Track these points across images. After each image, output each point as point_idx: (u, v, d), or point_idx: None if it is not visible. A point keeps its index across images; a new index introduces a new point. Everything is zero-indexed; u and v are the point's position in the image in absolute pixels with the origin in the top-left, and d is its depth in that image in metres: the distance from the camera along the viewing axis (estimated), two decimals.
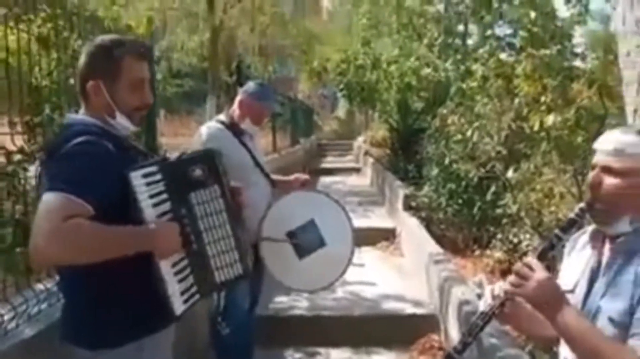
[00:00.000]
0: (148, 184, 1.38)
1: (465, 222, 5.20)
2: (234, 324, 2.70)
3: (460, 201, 5.13)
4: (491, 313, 1.36)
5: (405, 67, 9.59)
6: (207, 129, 2.75)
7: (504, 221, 4.60)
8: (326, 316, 3.57)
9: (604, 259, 1.30)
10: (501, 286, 1.37)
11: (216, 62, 9.40)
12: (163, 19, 8.96)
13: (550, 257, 1.37)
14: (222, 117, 2.84)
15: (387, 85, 10.24)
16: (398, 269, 4.53)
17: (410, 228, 4.96)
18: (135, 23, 3.77)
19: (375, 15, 11.49)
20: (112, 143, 1.40)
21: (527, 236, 4.34)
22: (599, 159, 1.29)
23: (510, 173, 3.79)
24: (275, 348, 3.27)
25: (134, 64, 1.45)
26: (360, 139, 13.95)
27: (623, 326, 1.17)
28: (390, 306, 3.72)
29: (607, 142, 1.28)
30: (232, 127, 2.76)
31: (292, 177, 3.03)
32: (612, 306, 1.21)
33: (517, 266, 1.30)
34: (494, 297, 1.38)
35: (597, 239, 1.34)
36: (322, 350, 3.31)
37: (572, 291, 1.36)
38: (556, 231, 1.35)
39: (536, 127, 3.41)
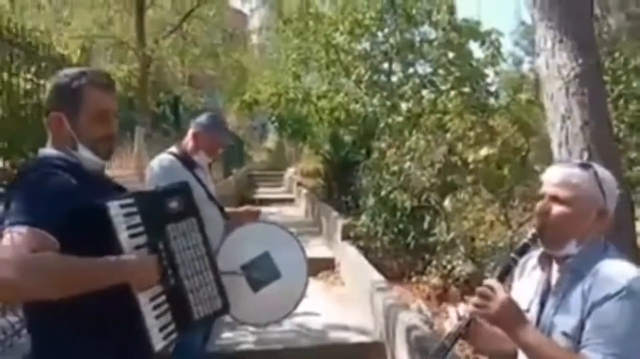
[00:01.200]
0: (125, 215, 1.35)
1: (401, 251, 5.41)
2: None
3: (395, 229, 5.34)
4: (458, 333, 1.47)
5: (336, 103, 9.94)
6: (159, 162, 2.72)
7: (438, 248, 4.85)
8: (273, 349, 3.54)
9: (553, 280, 1.45)
10: (465, 308, 1.49)
11: (145, 92, 9.21)
12: (89, 47, 8.69)
13: (507, 279, 1.51)
14: (173, 149, 2.82)
15: (317, 119, 10.53)
16: (340, 299, 4.60)
17: (350, 257, 5.07)
18: (67, 51, 3.66)
19: (305, 50, 11.83)
20: (74, 175, 1.36)
21: (460, 262, 4.60)
22: (547, 189, 1.45)
23: (446, 202, 4.04)
24: None
25: (96, 94, 1.43)
26: (291, 170, 14.08)
27: (575, 339, 1.31)
28: (336, 335, 3.76)
29: (554, 174, 1.45)
30: (185, 159, 2.74)
31: (242, 209, 3.05)
32: (564, 322, 1.35)
33: (480, 288, 1.42)
34: (459, 318, 1.49)
35: (545, 262, 1.49)
36: None
37: (527, 311, 1.50)
38: (512, 254, 1.49)
39: (470, 159, 3.69)
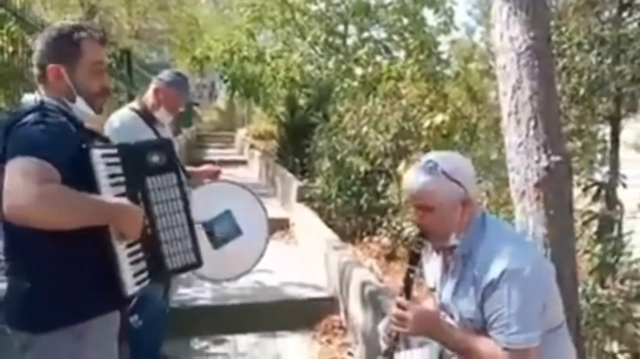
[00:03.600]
0: (108, 164, 1.40)
1: (353, 212, 5.58)
2: (148, 317, 2.69)
3: (349, 192, 5.49)
4: (393, 348, 1.63)
5: (291, 62, 9.85)
6: (119, 117, 2.68)
7: (389, 210, 5.04)
8: (230, 304, 3.64)
9: (449, 264, 1.60)
10: (384, 325, 1.65)
11: None
12: None
13: (413, 289, 1.63)
14: (134, 104, 2.77)
15: (272, 80, 10.41)
16: (295, 257, 4.73)
17: (304, 218, 5.19)
18: None
19: (259, 8, 11.54)
20: (71, 123, 1.42)
21: (409, 223, 4.82)
22: (412, 200, 1.58)
23: (400, 167, 4.19)
24: (183, 337, 3.27)
25: (94, 48, 1.47)
26: (243, 131, 13.92)
27: (477, 321, 1.49)
28: (291, 291, 3.90)
29: (411, 185, 1.54)
30: (145, 115, 2.71)
31: (202, 168, 3.07)
32: (465, 309, 1.52)
33: (394, 311, 1.55)
34: (388, 334, 1.64)
35: (437, 249, 1.64)
36: (229, 337, 3.38)
37: (434, 289, 1.67)
38: (409, 266, 1.62)
39: (426, 125, 3.83)
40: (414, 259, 1.59)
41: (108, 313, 1.49)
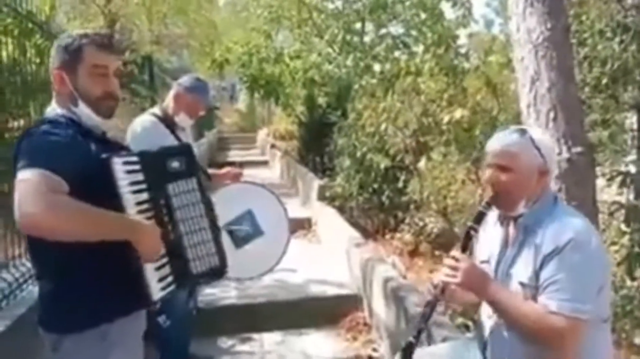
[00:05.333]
0: (128, 171, 1.44)
1: (375, 209, 5.58)
2: (175, 317, 2.76)
3: (370, 189, 5.49)
4: (435, 300, 1.64)
5: (309, 63, 9.88)
6: (141, 123, 2.74)
7: (411, 206, 5.03)
8: (255, 303, 3.69)
9: (510, 234, 1.61)
10: (439, 277, 1.65)
11: None
12: (52, 2, 8.31)
13: (470, 246, 1.66)
14: (155, 110, 2.84)
15: (290, 80, 10.46)
16: (318, 255, 4.77)
17: (326, 217, 5.23)
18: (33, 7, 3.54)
19: (276, 9, 11.60)
20: (79, 132, 1.45)
21: (432, 219, 4.81)
22: (491, 159, 1.59)
23: (421, 163, 4.18)
24: (210, 337, 3.34)
25: (95, 53, 1.50)
26: (264, 132, 14.02)
27: (531, 287, 1.48)
28: (315, 289, 3.94)
29: (495, 145, 1.58)
30: (166, 120, 2.78)
31: (224, 170, 3.12)
32: (520, 273, 1.52)
33: (446, 260, 1.57)
34: (434, 286, 1.65)
35: (503, 219, 1.65)
36: (255, 336, 3.44)
37: (487, 261, 1.67)
38: (470, 223, 1.64)
39: (446, 120, 3.82)
40: (479, 218, 1.61)
41: (133, 313, 1.54)
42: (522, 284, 1.50)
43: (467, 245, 1.62)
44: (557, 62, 2.64)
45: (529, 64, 2.70)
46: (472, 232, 1.62)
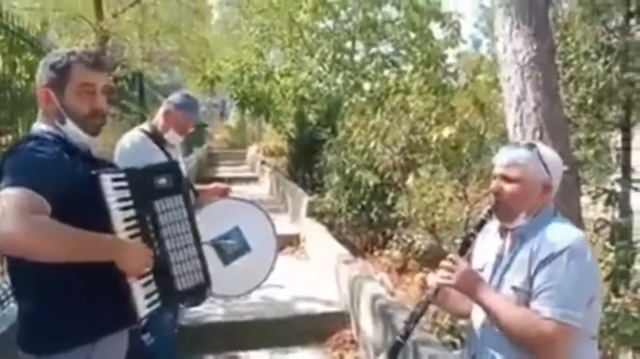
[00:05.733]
0: (116, 188, 1.43)
1: (364, 226, 5.58)
2: (160, 335, 2.72)
3: (359, 206, 5.50)
4: (427, 301, 1.64)
5: (300, 81, 9.96)
6: (130, 139, 2.74)
7: (399, 223, 5.04)
8: (242, 321, 3.66)
9: (507, 244, 1.64)
10: (432, 279, 1.66)
11: None
12: (44, 19, 8.33)
13: (468, 252, 1.68)
14: (144, 126, 2.84)
15: (281, 97, 10.52)
16: (306, 272, 4.75)
17: (315, 233, 5.22)
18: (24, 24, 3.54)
19: (267, 27, 11.71)
20: (65, 149, 1.44)
21: (420, 236, 4.82)
22: (498, 170, 1.62)
23: (409, 181, 4.21)
24: (196, 355, 3.29)
25: (82, 70, 1.49)
26: (253, 148, 14.03)
27: (524, 292, 1.49)
28: (303, 306, 3.91)
29: (503, 156, 1.62)
30: (155, 136, 2.77)
31: (212, 186, 3.11)
32: (514, 278, 1.53)
33: (444, 262, 1.59)
34: (427, 288, 1.66)
35: (502, 230, 1.67)
36: (241, 354, 3.40)
37: (482, 270, 1.69)
38: (471, 230, 1.68)
39: (434, 139, 3.86)
40: (480, 225, 1.64)
41: (116, 332, 1.51)
42: (514, 288, 1.51)
43: (465, 250, 1.64)
44: (543, 82, 2.70)
45: (515, 84, 2.75)
46: (471, 238, 1.65)
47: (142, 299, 1.47)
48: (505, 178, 1.58)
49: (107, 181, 1.42)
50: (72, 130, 1.50)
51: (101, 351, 1.47)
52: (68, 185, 1.35)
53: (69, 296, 1.41)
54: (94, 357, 1.45)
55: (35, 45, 3.38)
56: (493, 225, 1.71)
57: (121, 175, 1.47)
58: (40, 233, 1.27)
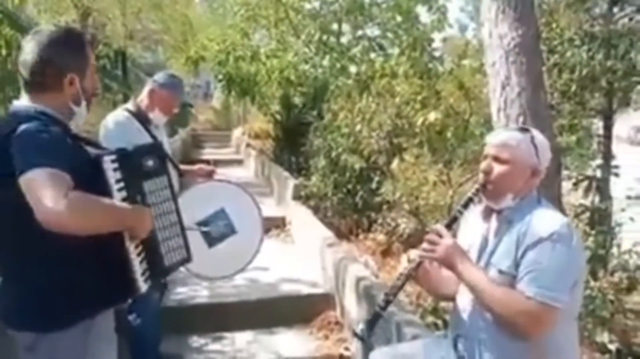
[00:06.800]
0: (114, 169, 1.45)
1: (349, 210, 5.62)
2: (145, 314, 2.74)
3: (344, 190, 5.53)
4: (408, 274, 1.67)
5: (286, 62, 9.87)
6: (114, 118, 2.71)
7: (384, 207, 5.09)
8: (227, 302, 3.67)
9: (492, 227, 1.67)
10: (415, 253, 1.68)
11: None
12: None
13: (454, 227, 1.72)
14: (129, 105, 2.81)
15: (267, 79, 10.43)
16: (291, 255, 4.78)
17: (300, 216, 5.24)
18: None
19: (253, 7, 11.54)
20: (64, 131, 1.45)
21: (404, 219, 4.87)
22: (489, 150, 1.65)
23: (394, 164, 4.24)
24: (182, 335, 3.31)
25: (90, 52, 1.53)
26: (239, 130, 13.94)
27: (509, 275, 1.53)
28: (288, 288, 3.94)
29: (495, 137, 1.66)
30: (140, 116, 2.75)
31: (196, 166, 3.10)
32: (500, 261, 1.57)
33: (429, 235, 1.62)
34: (409, 261, 1.69)
35: (486, 213, 1.71)
36: (227, 334, 3.42)
37: (467, 252, 1.72)
38: (458, 206, 1.71)
39: (419, 122, 3.88)
40: (467, 202, 1.68)
41: (117, 305, 1.57)
42: (500, 271, 1.55)
43: (451, 225, 1.68)
44: (527, 68, 2.72)
45: (500, 69, 2.77)
46: (458, 214, 1.68)
47: (140, 274, 1.50)
48: (496, 159, 1.61)
49: (107, 163, 1.44)
50: (81, 111, 1.53)
51: (99, 326, 1.50)
52: (73, 165, 1.36)
53: (71, 272, 1.43)
54: (93, 331, 1.48)
55: (13, 19, 3.30)
56: (477, 209, 1.74)
57: (114, 157, 1.48)
58: (82, 209, 1.30)
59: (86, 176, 1.38)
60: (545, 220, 1.52)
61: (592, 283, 3.54)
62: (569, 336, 1.57)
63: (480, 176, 1.66)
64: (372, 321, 1.66)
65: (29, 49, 1.46)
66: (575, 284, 1.50)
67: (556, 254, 1.46)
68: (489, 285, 1.52)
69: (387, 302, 1.66)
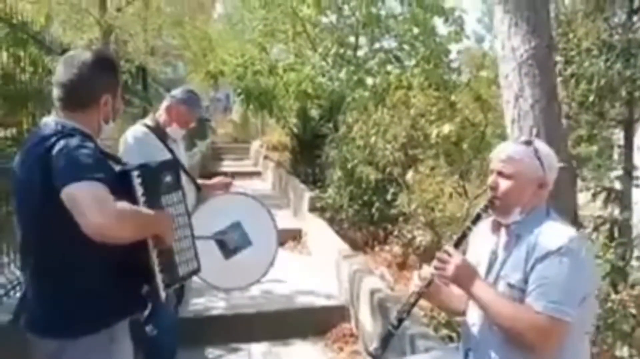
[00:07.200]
0: (140, 184, 1.52)
1: (365, 221, 5.62)
2: (162, 325, 2.77)
3: (360, 201, 5.54)
4: (420, 291, 1.68)
5: (303, 76, 9.96)
6: (132, 133, 2.78)
7: (400, 219, 5.08)
8: (243, 313, 3.71)
9: (501, 242, 1.67)
10: (427, 270, 1.69)
11: None
12: (48, 13, 8.36)
13: (463, 244, 1.72)
14: (147, 120, 2.88)
15: (284, 92, 10.54)
16: (307, 267, 4.80)
17: (316, 228, 5.26)
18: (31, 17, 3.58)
19: (271, 22, 11.71)
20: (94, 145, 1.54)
21: (420, 231, 4.85)
22: (494, 166, 1.66)
23: (408, 176, 4.24)
24: (198, 347, 3.35)
25: (119, 74, 1.65)
26: (257, 143, 14.06)
27: (518, 289, 1.53)
28: (303, 300, 3.96)
29: (500, 152, 1.66)
30: (157, 131, 2.82)
31: (214, 180, 3.16)
32: (510, 275, 1.57)
33: (439, 254, 1.63)
34: (421, 279, 1.70)
35: (495, 227, 1.71)
36: (243, 345, 3.45)
37: (476, 266, 1.72)
38: (467, 223, 1.72)
39: (434, 135, 3.89)
40: (476, 218, 1.69)
41: (139, 313, 1.63)
42: (510, 285, 1.55)
43: (460, 243, 1.68)
44: (540, 80, 2.72)
45: (513, 81, 2.77)
46: (467, 231, 1.69)
47: (160, 281, 1.56)
48: (502, 174, 1.62)
49: (135, 177, 1.52)
50: (108, 128, 1.63)
51: (121, 333, 1.57)
52: (107, 179, 1.43)
53: (95, 281, 1.49)
54: (115, 339, 1.53)
55: (38, 39, 3.42)
56: (486, 222, 1.75)
57: (138, 172, 1.55)
58: (127, 218, 1.40)
59: (116, 189, 1.45)
60: (553, 233, 1.52)
61: (612, 296, 3.47)
62: (579, 350, 1.56)
63: (488, 192, 1.67)
64: (385, 340, 1.67)
65: (67, 71, 1.56)
66: (584, 298, 1.49)
67: (564, 268, 1.46)
68: (498, 300, 1.52)
69: (400, 320, 1.67)
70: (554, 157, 1.66)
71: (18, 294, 1.91)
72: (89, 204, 1.34)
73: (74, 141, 1.45)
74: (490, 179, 1.66)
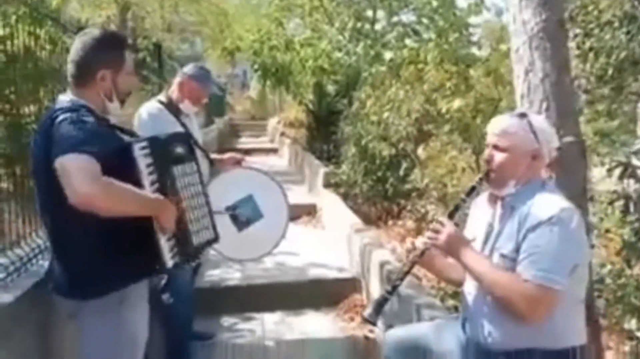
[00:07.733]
0: (144, 155, 1.59)
1: (378, 197, 5.66)
2: (177, 294, 2.89)
3: (374, 177, 5.57)
4: (413, 260, 1.74)
5: (319, 51, 9.90)
6: (146, 109, 2.86)
7: (413, 194, 5.10)
8: (258, 284, 3.83)
9: (497, 214, 1.71)
10: (420, 240, 1.75)
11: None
12: None
13: (457, 216, 1.76)
14: (160, 97, 2.95)
15: (300, 68, 10.50)
16: (321, 241, 4.89)
17: (331, 203, 5.33)
18: None
19: None
20: (96, 120, 1.61)
21: (433, 206, 4.87)
22: (490, 139, 1.69)
23: (420, 151, 4.26)
24: (214, 315, 3.48)
25: (128, 55, 1.70)
26: (274, 120, 14.09)
27: (510, 259, 1.57)
28: (315, 272, 4.06)
29: (495, 125, 1.69)
30: (171, 107, 2.89)
31: (226, 155, 3.23)
32: (503, 246, 1.61)
33: (432, 224, 1.68)
34: (415, 248, 1.75)
35: (491, 200, 1.74)
36: (256, 315, 3.57)
37: (473, 240, 1.77)
38: (461, 195, 1.76)
39: (444, 110, 3.88)
40: (471, 191, 1.74)
41: (147, 278, 1.73)
42: (503, 255, 1.59)
43: (454, 214, 1.73)
44: (551, 53, 2.68)
45: (524, 55, 2.74)
46: (461, 203, 1.73)
47: (167, 251, 1.64)
48: (496, 147, 1.65)
49: (137, 150, 1.58)
50: (114, 106, 1.70)
51: (132, 298, 1.68)
52: (106, 152, 1.51)
53: (106, 246, 1.59)
54: (125, 302, 1.65)
55: (54, 17, 3.49)
56: (485, 196, 1.78)
57: (145, 143, 1.62)
58: (112, 194, 1.47)
59: (118, 160, 1.54)
60: (545, 204, 1.55)
61: (627, 271, 3.48)
62: (573, 318, 1.60)
63: (483, 165, 1.70)
64: (379, 305, 1.73)
65: (74, 48, 1.67)
66: (575, 267, 1.52)
67: (554, 236, 1.49)
68: (489, 269, 1.57)
69: (394, 287, 1.74)
70: (549, 130, 1.68)
71: (41, 262, 2.03)
72: (76, 174, 1.42)
73: (74, 115, 1.54)
74: (486, 152, 1.69)
